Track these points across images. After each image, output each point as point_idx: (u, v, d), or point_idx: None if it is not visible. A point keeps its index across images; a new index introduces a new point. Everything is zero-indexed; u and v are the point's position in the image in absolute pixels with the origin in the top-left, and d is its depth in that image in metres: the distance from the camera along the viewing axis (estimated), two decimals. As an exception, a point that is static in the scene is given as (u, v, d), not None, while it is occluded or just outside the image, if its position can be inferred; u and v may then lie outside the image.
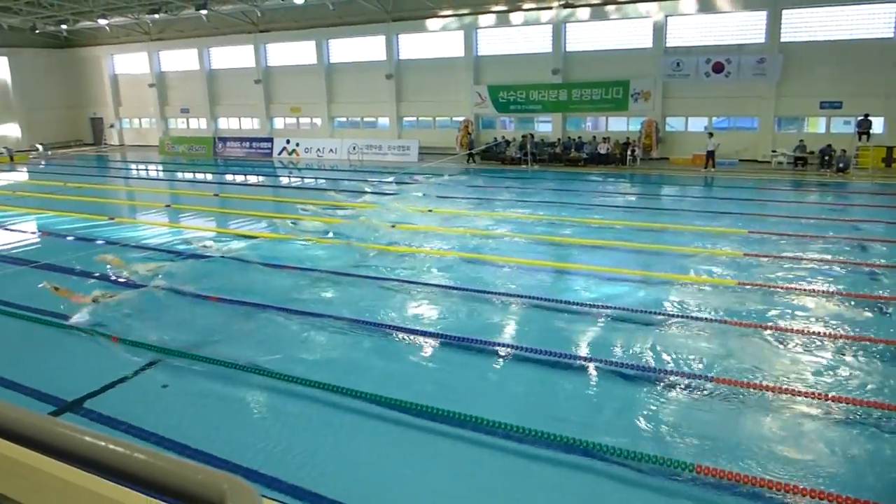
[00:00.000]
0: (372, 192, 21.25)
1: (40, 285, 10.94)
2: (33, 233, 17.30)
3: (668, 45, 26.83)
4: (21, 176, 30.70)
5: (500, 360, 8.27)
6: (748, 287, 10.55)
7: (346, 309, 10.05)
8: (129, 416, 6.91)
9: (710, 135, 25.31)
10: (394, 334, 9.06)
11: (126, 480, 1.50)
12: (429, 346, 8.72)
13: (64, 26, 37.53)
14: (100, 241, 15.35)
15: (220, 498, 1.42)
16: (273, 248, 14.40)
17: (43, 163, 34.86)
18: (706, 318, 9.26)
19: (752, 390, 7.06)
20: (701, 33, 26.39)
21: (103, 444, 1.44)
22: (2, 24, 36.06)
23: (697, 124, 27.69)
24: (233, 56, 36.97)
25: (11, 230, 17.22)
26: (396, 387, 7.32)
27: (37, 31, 37.32)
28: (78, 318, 9.66)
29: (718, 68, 25.58)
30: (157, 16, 33.05)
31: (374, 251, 13.69)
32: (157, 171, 32.44)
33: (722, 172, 24.43)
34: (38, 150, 37.27)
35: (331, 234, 15.54)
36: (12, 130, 39.21)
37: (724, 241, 13.93)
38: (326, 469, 5.92)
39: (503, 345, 8.64)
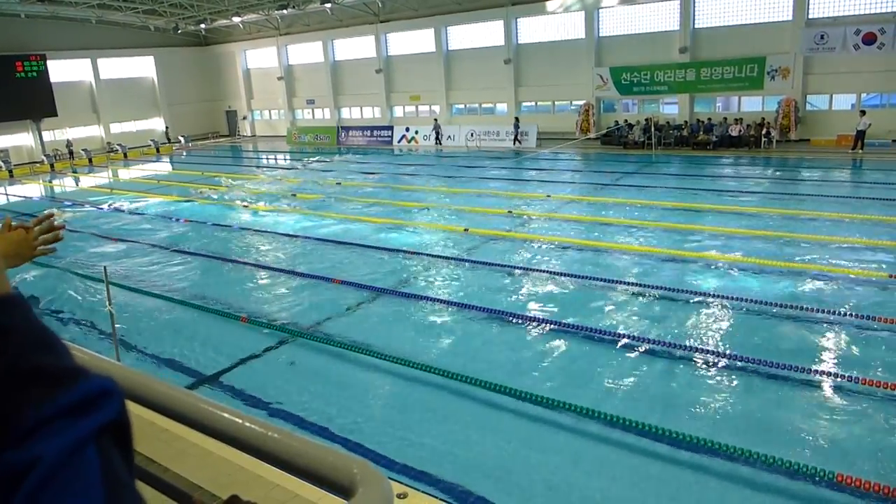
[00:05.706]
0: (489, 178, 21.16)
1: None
2: (173, 220, 18.59)
3: (810, 16, 24.75)
4: (165, 167, 33.22)
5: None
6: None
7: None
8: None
9: (863, 112, 23.01)
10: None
11: (260, 456, 1.50)
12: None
13: (203, 25, 40.20)
14: (236, 226, 16.32)
15: (350, 481, 1.39)
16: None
17: (184, 153, 37.54)
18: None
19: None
20: (849, 1, 24.11)
21: (240, 421, 1.43)
22: (149, 25, 39.19)
23: (843, 102, 25.41)
24: (355, 47, 38.05)
25: (150, 216, 18.62)
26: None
27: (179, 31, 40.18)
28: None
29: (870, 39, 23.28)
30: (285, 11, 34.61)
31: (489, 236, 13.65)
32: (284, 160, 34.02)
33: (872, 154, 22.24)
34: (180, 141, 40.16)
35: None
36: (158, 124, 42.57)
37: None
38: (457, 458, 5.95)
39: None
